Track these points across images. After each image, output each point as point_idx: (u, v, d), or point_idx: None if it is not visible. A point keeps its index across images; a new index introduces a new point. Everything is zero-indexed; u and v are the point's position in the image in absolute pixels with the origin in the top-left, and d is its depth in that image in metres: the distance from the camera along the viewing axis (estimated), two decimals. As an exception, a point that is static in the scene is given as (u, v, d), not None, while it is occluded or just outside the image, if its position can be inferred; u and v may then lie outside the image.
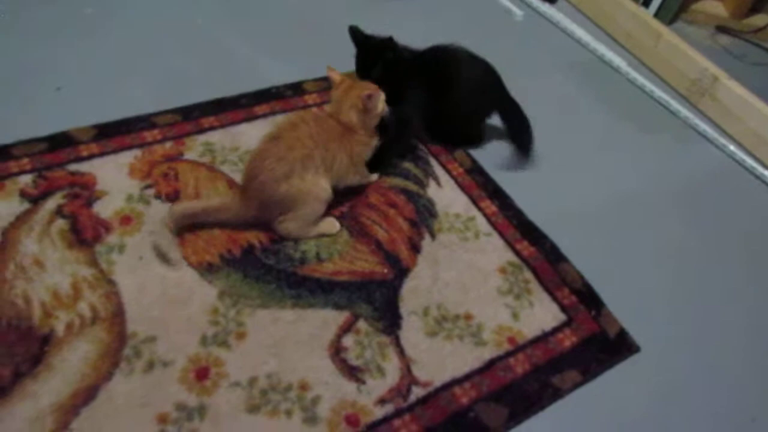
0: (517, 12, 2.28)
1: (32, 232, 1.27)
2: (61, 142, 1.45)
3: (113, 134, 1.49)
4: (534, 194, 1.56)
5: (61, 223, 1.29)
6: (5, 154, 1.40)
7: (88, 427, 1.04)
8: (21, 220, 1.29)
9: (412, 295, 1.31)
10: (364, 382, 1.16)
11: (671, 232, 1.57)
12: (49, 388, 1.07)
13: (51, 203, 1.32)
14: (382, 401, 1.14)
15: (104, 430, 1.04)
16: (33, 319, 1.15)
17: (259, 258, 1.30)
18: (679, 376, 1.27)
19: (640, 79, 2.05)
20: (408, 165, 1.57)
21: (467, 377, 1.20)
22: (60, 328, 1.14)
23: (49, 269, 1.22)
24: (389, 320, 1.26)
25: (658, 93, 2.00)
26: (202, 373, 1.12)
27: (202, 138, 1.52)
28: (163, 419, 1.06)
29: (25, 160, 1.40)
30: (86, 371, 1.10)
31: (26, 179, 1.36)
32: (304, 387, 1.14)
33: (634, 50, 2.18)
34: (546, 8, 2.31)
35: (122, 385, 1.09)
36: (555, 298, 1.35)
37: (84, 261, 1.24)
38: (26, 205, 1.31)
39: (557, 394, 1.20)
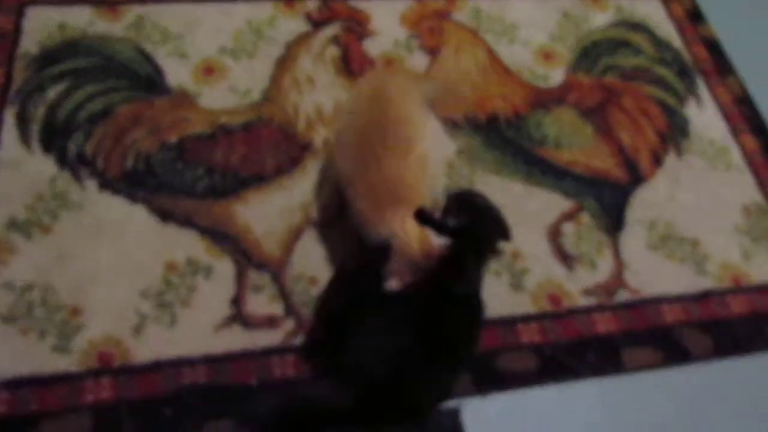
0: None
1: (310, 53, 1.40)
2: (346, -21, 1.55)
3: (392, -19, 1.56)
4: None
5: (334, 51, 1.41)
6: (299, -21, 1.53)
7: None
8: (302, 39, 1.42)
9: (643, 205, 1.28)
10: (574, 270, 1.18)
11: None
12: (300, 188, 1.22)
13: (329, 30, 1.43)
14: (587, 292, 1.16)
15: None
16: (298, 128, 1.29)
17: (501, 128, 1.33)
18: None
19: None
20: (672, 79, 1.47)
21: (678, 299, 1.17)
22: (318, 141, 1.28)
23: (318, 88, 1.34)
24: (613, 221, 1.25)
25: None
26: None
27: (472, 3, 1.53)
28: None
29: (315, -13, 1.52)
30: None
31: (312, 5, 1.47)
32: (516, 256, 1.19)
33: None
34: None
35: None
36: (797, 254, 1.25)
37: (348, 89, 1.36)
38: (308, 28, 1.44)
39: (771, 346, 1.14)
